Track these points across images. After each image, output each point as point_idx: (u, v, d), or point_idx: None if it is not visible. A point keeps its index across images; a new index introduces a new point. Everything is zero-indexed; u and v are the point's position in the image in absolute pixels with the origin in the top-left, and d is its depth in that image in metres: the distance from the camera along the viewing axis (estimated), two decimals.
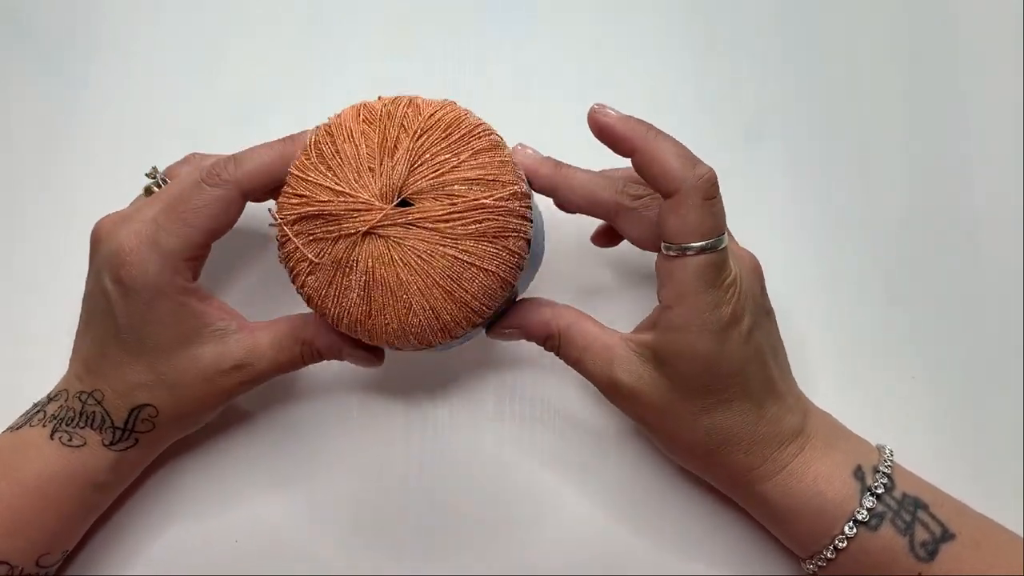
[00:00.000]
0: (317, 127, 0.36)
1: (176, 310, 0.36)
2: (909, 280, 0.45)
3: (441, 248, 0.34)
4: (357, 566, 0.41)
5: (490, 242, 0.34)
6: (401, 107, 0.35)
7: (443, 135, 0.34)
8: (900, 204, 0.46)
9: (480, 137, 0.35)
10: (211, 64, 0.48)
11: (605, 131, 0.36)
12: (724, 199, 0.46)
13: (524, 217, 0.35)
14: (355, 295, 0.34)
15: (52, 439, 0.37)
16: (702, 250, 0.34)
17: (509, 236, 0.34)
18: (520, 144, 0.39)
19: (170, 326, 0.36)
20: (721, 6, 0.49)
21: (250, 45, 0.49)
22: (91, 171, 0.47)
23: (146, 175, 0.40)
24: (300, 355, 0.38)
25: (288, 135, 0.38)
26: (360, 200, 0.34)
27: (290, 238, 0.34)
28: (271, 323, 0.39)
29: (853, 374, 0.44)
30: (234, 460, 0.42)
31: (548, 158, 0.39)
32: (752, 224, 0.46)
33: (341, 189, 0.34)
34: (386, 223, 0.33)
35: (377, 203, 0.34)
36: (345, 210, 0.34)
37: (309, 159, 0.35)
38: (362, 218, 0.33)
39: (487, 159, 0.35)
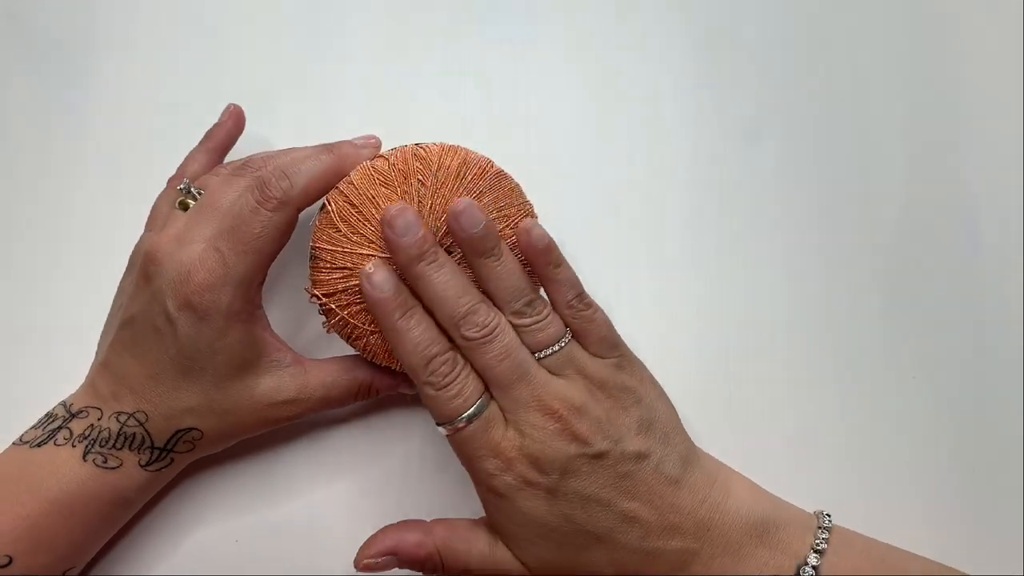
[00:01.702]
0: (329, 196, 0.37)
1: (243, 339, 0.37)
2: (909, 280, 0.45)
3: None
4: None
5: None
6: (409, 161, 0.37)
7: (457, 181, 0.37)
8: (900, 204, 0.46)
9: (486, 172, 0.37)
10: (211, 64, 0.48)
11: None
12: (724, 199, 0.46)
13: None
14: None
15: (85, 460, 0.36)
16: (464, 424, 0.35)
17: None
18: (534, 223, 0.37)
19: (235, 355, 0.37)
20: (721, 6, 0.49)
21: (250, 45, 0.49)
22: (91, 171, 0.47)
23: (179, 189, 0.40)
24: (355, 394, 0.40)
25: (324, 145, 0.39)
26: None
27: (337, 309, 0.37)
28: (323, 362, 0.39)
29: (853, 374, 0.44)
30: (234, 460, 0.42)
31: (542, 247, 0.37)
32: (751, 224, 0.46)
33: (386, 254, 0.36)
34: None
35: None
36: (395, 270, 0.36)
37: (338, 231, 0.36)
38: None
39: (500, 192, 0.37)
